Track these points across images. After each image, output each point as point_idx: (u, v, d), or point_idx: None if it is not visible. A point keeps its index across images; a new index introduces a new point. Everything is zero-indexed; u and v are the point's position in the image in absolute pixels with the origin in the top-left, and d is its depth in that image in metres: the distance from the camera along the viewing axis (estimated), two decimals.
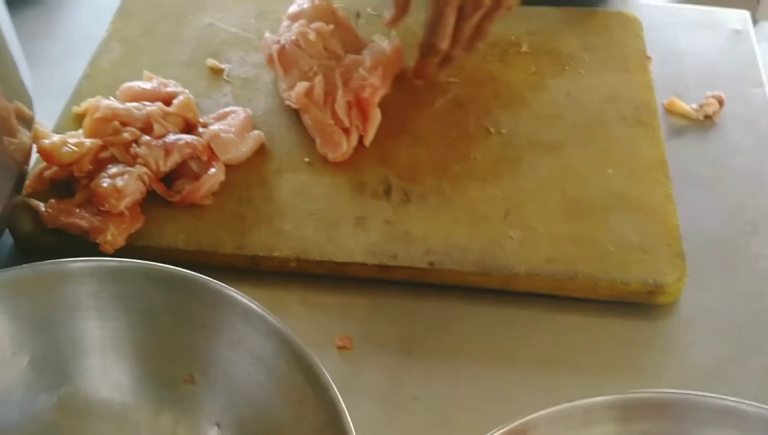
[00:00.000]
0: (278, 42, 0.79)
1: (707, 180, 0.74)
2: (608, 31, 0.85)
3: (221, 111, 0.75)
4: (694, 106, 0.80)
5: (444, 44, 0.74)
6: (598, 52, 0.83)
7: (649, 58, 0.83)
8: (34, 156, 0.68)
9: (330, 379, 0.49)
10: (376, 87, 0.75)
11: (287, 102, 0.76)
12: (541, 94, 0.79)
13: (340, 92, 0.74)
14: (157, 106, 0.72)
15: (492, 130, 0.76)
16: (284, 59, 0.78)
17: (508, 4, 0.74)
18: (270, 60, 0.79)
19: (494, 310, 0.65)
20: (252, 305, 0.52)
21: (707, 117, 0.79)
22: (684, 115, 0.79)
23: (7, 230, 0.68)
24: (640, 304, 0.66)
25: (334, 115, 0.73)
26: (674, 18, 0.91)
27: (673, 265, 0.65)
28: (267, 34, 0.81)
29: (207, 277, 0.53)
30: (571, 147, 0.74)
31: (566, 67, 0.82)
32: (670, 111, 0.80)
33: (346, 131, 0.73)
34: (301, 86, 0.75)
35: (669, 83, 0.82)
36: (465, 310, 0.65)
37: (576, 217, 0.69)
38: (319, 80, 0.75)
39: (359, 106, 0.75)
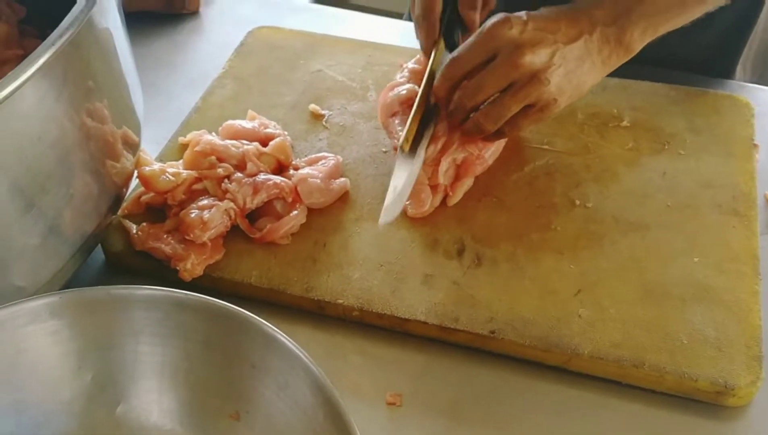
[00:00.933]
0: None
1: None
2: (716, 113, 0.83)
3: (314, 156, 0.78)
4: None
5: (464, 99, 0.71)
6: (701, 134, 0.80)
7: (756, 145, 0.79)
8: (135, 180, 0.73)
9: None
10: (485, 163, 0.76)
11: (397, 141, 0.75)
12: (634, 171, 0.77)
13: (453, 148, 0.74)
14: (253, 146, 0.76)
15: (578, 202, 0.75)
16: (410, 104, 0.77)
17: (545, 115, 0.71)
18: (402, 101, 0.78)
19: (551, 387, 0.64)
20: (299, 353, 0.53)
21: None
22: None
23: (100, 247, 0.72)
24: (707, 403, 0.63)
25: (435, 170, 0.74)
26: None
27: (749, 367, 0.62)
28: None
29: (262, 320, 0.55)
30: (658, 229, 0.72)
31: (666, 147, 0.79)
32: None
33: (433, 189, 0.74)
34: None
35: None
36: (520, 383, 0.64)
37: (651, 302, 0.67)
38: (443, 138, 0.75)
39: (457, 168, 0.75)
